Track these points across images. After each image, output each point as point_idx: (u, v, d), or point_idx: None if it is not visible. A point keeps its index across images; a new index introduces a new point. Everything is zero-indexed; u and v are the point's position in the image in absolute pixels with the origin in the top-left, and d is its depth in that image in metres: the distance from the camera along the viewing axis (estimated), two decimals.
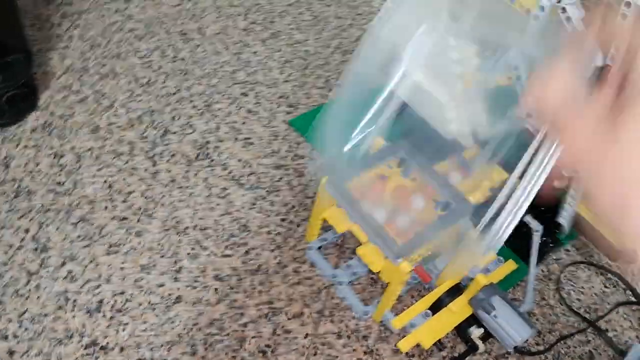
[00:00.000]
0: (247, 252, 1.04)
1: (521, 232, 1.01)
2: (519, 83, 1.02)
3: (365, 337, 0.96)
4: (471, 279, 0.95)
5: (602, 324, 1.06)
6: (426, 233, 0.89)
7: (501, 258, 1.07)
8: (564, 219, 1.06)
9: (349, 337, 0.97)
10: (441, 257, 1.03)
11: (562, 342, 1.02)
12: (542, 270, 1.12)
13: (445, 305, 0.97)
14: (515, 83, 1.03)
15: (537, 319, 1.05)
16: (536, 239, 1.00)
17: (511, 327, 0.91)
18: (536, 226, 0.99)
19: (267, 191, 1.14)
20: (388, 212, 0.94)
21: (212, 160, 1.16)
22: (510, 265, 1.06)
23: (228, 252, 1.03)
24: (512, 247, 1.06)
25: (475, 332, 0.96)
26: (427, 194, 0.98)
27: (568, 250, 1.15)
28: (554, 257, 1.14)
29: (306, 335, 0.95)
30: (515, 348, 0.96)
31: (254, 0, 1.56)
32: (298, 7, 1.57)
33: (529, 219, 1.00)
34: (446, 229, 0.91)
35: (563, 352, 1.01)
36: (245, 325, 0.95)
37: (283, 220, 1.10)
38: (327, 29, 1.53)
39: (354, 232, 0.92)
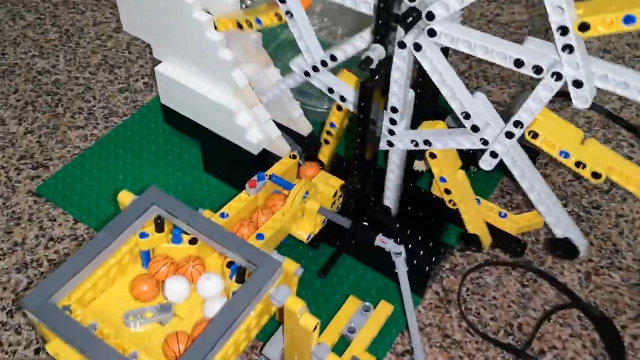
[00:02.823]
0: None
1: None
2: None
3: None
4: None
5: (536, 346, 0.73)
6: (215, 328, 0.52)
7: (368, 305, 0.71)
8: (388, 199, 0.73)
9: None
10: (272, 340, 0.66)
11: None
12: (437, 293, 0.77)
13: None
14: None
15: None
16: (401, 265, 0.65)
17: None
18: (395, 248, 0.64)
19: (9, 313, 0.74)
20: (159, 312, 0.57)
21: None
22: (385, 309, 0.71)
23: None
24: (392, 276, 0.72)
25: None
26: (217, 262, 0.61)
27: (464, 253, 0.81)
28: (447, 267, 0.80)
29: None
30: None
31: None
32: (39, 25, 1.16)
33: (386, 242, 0.65)
34: (253, 306, 0.55)
35: None
36: None
37: (37, 352, 0.70)
38: (84, 43, 1.13)
39: None
